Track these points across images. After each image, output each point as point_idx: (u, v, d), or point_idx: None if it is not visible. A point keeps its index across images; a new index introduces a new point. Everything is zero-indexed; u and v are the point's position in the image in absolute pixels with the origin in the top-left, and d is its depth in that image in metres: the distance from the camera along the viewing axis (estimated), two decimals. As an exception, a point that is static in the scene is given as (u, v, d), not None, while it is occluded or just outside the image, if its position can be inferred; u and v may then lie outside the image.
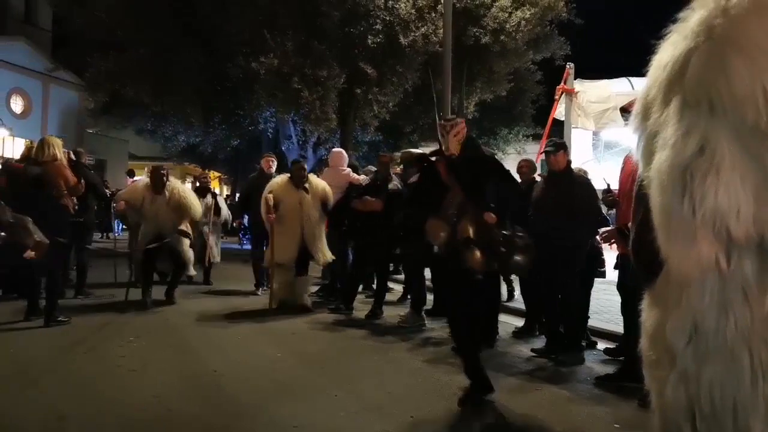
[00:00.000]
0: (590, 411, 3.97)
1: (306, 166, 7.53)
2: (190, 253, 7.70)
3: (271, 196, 7.18)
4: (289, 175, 7.50)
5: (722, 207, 1.43)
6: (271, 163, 8.79)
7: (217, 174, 33.19)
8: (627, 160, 4.62)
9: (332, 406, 3.87)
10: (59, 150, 6.24)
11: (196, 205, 7.77)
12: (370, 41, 12.83)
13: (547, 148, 5.41)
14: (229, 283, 8.96)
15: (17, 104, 27.10)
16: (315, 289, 8.40)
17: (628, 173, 4.55)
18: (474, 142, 4.28)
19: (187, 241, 7.55)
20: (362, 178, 8.13)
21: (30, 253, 4.46)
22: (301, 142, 17.88)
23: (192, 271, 8.26)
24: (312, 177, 7.49)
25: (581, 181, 5.38)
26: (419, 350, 5.50)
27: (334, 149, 8.37)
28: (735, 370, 1.51)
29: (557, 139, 5.98)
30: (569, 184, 5.18)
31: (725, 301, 1.52)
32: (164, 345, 5.43)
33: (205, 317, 6.63)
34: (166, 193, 7.41)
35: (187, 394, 4.05)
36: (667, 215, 1.54)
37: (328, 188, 7.43)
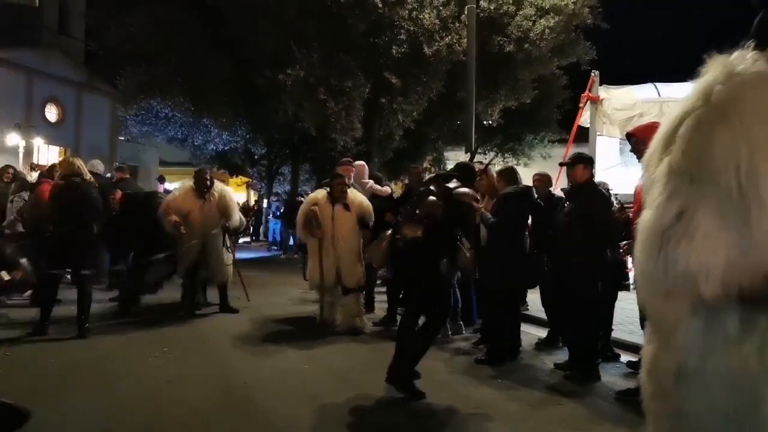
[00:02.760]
0: (612, 424, 4.06)
1: (345, 181, 6.95)
2: (226, 258, 7.72)
3: (316, 208, 6.76)
4: (328, 189, 6.95)
5: (692, 270, 1.53)
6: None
7: (245, 180, 33.57)
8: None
9: (358, 419, 4.03)
10: (83, 168, 6.45)
11: (236, 209, 7.85)
12: (394, 51, 12.96)
13: (566, 161, 5.47)
14: (259, 295, 9.10)
15: (52, 113, 27.89)
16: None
17: (641, 189, 4.61)
18: None
19: (220, 246, 7.59)
20: (385, 190, 8.25)
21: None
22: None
23: (229, 276, 7.88)
24: (350, 191, 6.97)
25: (599, 193, 5.37)
26: (443, 363, 5.59)
27: (356, 162, 8.32)
28: (715, 412, 1.57)
29: (579, 153, 6.01)
30: (588, 198, 5.18)
31: (706, 347, 1.59)
32: (196, 357, 5.62)
33: (233, 329, 6.79)
34: (215, 194, 7.47)
35: (222, 407, 4.23)
36: (643, 272, 1.67)
37: (366, 203, 7.01)
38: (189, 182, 7.68)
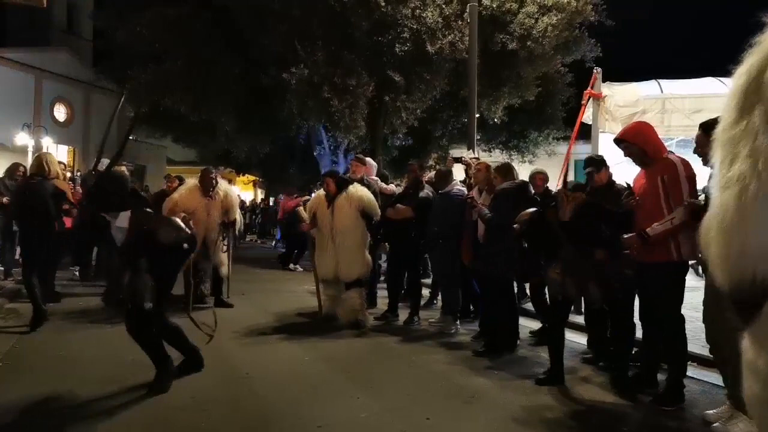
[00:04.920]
0: (601, 415, 4.14)
1: (332, 179, 7.12)
2: (222, 256, 7.86)
3: (312, 204, 7.20)
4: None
5: None
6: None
7: (252, 178, 33.82)
8: (641, 175, 4.70)
9: (354, 408, 4.13)
10: (50, 167, 6.63)
11: (237, 209, 8.03)
12: (398, 50, 13.01)
13: (589, 169, 5.31)
14: (262, 289, 9.23)
15: (60, 112, 28.19)
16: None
17: (640, 185, 4.65)
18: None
19: (219, 245, 7.74)
20: (391, 188, 8.34)
21: None
22: (332, 148, 18.22)
23: (224, 272, 8.03)
24: (352, 186, 7.04)
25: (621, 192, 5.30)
26: (442, 355, 5.71)
27: (366, 159, 8.38)
28: None
29: (595, 155, 5.97)
30: (613, 197, 4.98)
31: None
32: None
33: (235, 322, 6.87)
34: (219, 193, 7.62)
35: (221, 396, 4.34)
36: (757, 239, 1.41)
37: (366, 196, 6.95)
38: (194, 181, 7.78)
